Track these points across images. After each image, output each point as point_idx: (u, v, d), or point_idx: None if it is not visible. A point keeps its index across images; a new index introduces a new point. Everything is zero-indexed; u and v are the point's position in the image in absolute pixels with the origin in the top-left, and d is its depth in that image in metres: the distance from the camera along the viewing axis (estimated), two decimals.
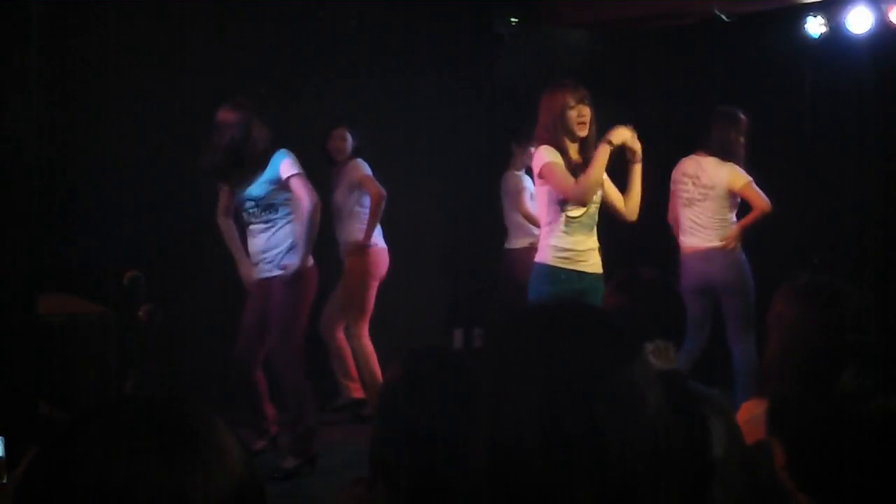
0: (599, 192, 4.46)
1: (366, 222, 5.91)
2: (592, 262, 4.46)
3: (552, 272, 4.38)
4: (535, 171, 4.44)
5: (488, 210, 6.76)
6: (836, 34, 6.48)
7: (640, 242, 5.90)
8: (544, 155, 4.37)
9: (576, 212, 4.40)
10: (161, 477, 0.93)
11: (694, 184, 5.59)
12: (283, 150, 4.90)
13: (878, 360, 1.42)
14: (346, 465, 4.86)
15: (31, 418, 3.10)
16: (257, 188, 4.89)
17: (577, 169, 4.37)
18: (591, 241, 4.46)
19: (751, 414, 2.46)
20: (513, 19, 7.15)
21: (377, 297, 5.98)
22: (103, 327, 4.42)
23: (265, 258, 4.95)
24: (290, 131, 5.44)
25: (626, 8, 6.94)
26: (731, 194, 5.53)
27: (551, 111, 4.40)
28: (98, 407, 1.01)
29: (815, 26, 6.57)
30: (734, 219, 5.60)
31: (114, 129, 5.81)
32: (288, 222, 4.93)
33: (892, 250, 6.38)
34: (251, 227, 4.99)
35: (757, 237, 5.74)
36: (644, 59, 7.64)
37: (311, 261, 4.98)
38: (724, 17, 6.89)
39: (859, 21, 6.30)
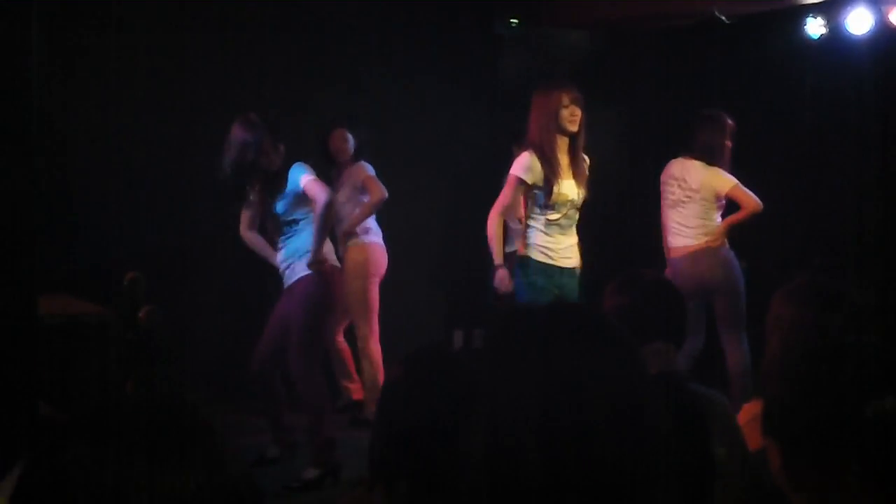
0: (581, 194, 4.64)
1: (367, 224, 5.90)
2: (571, 258, 4.70)
3: (533, 264, 4.62)
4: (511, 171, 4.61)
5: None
6: (835, 35, 6.47)
7: (638, 243, 5.90)
8: (520, 167, 4.54)
9: (554, 215, 4.62)
10: (154, 483, 0.92)
11: (680, 186, 5.58)
12: (299, 164, 4.85)
13: (876, 361, 1.42)
14: (346, 466, 4.85)
15: (31, 419, 3.10)
16: (279, 206, 4.85)
17: (562, 172, 4.45)
18: (569, 240, 4.67)
19: (752, 415, 2.46)
20: (513, 20, 7.14)
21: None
22: (103, 328, 4.42)
23: (288, 267, 4.91)
24: (289, 132, 5.43)
25: (626, 8, 6.94)
26: (717, 197, 5.52)
27: (544, 109, 4.45)
28: (93, 411, 1.01)
29: (814, 27, 6.57)
30: (719, 220, 5.57)
31: (114, 130, 5.82)
32: (306, 229, 4.88)
33: (892, 250, 6.38)
34: (277, 241, 4.97)
35: (757, 237, 5.73)
36: (644, 59, 7.63)
37: (333, 261, 4.96)
38: (724, 18, 6.89)
39: (859, 22, 6.29)
